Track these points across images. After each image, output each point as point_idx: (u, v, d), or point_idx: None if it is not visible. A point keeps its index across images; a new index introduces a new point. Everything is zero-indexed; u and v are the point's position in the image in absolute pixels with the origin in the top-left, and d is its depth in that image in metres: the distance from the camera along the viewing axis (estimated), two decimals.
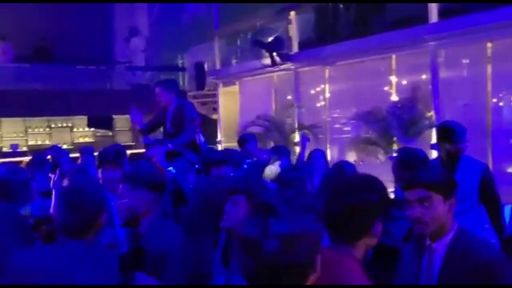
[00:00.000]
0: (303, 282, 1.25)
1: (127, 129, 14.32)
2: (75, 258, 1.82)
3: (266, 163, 3.97)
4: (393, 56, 7.92)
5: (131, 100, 12.69)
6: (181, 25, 13.24)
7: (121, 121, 14.08)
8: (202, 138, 5.13)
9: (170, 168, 3.65)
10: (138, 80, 14.35)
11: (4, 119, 12.79)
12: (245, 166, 3.93)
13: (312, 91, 9.66)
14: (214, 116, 12.42)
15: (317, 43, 8.97)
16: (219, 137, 11.83)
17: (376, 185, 1.69)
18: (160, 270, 2.12)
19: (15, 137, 12.83)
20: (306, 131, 9.15)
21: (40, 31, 13.41)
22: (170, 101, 5.02)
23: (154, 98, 5.26)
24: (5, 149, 12.61)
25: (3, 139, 12.86)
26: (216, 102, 12.44)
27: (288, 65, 9.48)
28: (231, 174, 3.51)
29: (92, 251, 1.91)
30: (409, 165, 3.03)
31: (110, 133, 14.05)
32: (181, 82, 14.60)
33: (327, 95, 9.28)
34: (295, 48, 9.42)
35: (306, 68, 9.48)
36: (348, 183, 1.76)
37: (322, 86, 9.36)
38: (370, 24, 8.16)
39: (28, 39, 13.13)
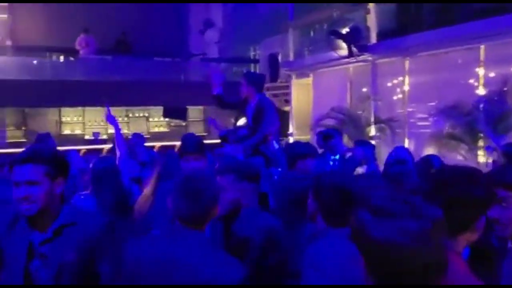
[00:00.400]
0: (438, 281, 1.19)
1: (200, 119, 14.64)
2: (194, 249, 1.77)
3: (361, 159, 3.85)
4: (482, 47, 7.42)
5: (205, 91, 13.02)
6: (255, 17, 13.24)
7: (195, 112, 14.41)
8: (276, 146, 4.86)
9: None
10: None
11: (87, 108, 13.50)
12: (331, 163, 3.83)
13: (390, 84, 9.31)
14: (286, 108, 12.36)
15: (397, 33, 8.61)
16: (290, 130, 11.77)
17: (481, 178, 1.59)
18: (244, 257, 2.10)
19: (96, 125, 13.51)
20: (382, 125, 8.88)
21: (121, 24, 14.00)
22: (249, 94, 5.04)
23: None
24: (87, 137, 13.31)
25: (86, 127, 13.58)
26: (288, 94, 12.37)
27: (366, 56, 9.19)
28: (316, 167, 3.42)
29: (209, 242, 1.88)
30: None
31: (184, 124, 14.40)
32: None
33: (406, 87, 8.90)
34: (373, 39, 9.11)
35: (385, 60, 9.15)
36: (450, 175, 1.64)
37: (401, 78, 8.99)
38: (457, 12, 7.69)
39: (109, 32, 13.75)
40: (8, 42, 13.26)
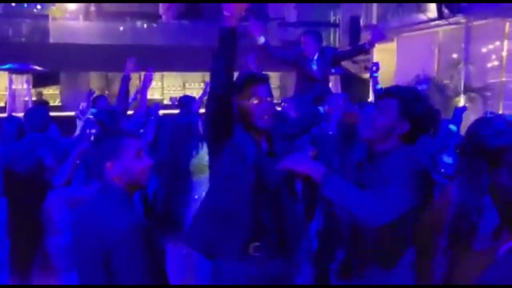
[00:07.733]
0: None
1: (276, 86, 14.36)
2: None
3: None
4: None
5: None
6: None
7: (271, 78, 14.11)
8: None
9: None
10: (290, 37, 14.11)
11: (165, 74, 13.68)
12: None
13: (485, 49, 8.40)
14: (366, 76, 11.70)
15: None
16: (371, 99, 11.14)
17: None
18: None
19: (174, 90, 13.67)
20: (472, 94, 8.09)
21: None
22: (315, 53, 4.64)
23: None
24: (165, 102, 13.54)
25: (164, 92, 13.80)
26: (368, 60, 11.67)
27: (458, 18, 8.33)
28: None
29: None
30: None
31: None
32: (332, 39, 14.04)
33: (504, 53, 7.97)
34: None
35: (481, 22, 8.23)
36: None
37: (498, 43, 8.07)
38: None
39: None
40: (92, 8, 13.64)
